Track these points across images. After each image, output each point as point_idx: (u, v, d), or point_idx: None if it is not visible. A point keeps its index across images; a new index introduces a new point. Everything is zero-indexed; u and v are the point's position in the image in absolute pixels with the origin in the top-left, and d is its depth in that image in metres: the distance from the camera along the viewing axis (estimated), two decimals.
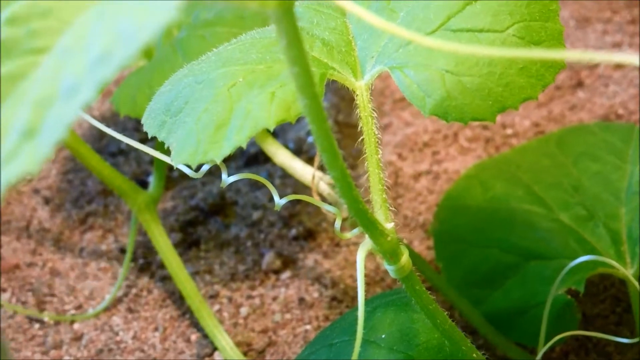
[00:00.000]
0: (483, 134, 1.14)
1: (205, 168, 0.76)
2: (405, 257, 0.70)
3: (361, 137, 0.71)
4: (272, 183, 1.07)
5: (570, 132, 1.05)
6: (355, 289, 1.01)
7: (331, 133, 0.59)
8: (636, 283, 0.84)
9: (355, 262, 1.04)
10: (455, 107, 0.68)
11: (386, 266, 0.70)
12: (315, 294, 1.01)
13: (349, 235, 0.74)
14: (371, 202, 0.71)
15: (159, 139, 0.73)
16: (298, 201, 1.07)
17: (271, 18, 0.52)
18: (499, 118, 1.14)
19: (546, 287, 0.87)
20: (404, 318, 0.78)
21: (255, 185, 1.11)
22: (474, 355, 0.76)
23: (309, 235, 1.06)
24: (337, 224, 0.74)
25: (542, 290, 0.90)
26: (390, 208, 0.71)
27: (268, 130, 0.67)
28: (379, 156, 0.71)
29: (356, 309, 0.84)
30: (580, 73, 1.20)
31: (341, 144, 1.14)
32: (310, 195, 0.93)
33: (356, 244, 1.05)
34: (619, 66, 1.20)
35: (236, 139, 0.66)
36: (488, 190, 0.98)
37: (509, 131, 1.14)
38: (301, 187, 1.01)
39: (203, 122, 0.68)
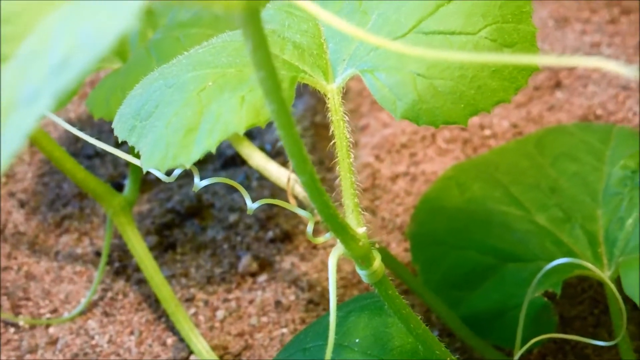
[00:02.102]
0: (461, 135, 1.14)
1: (177, 172, 0.75)
2: (377, 262, 0.69)
3: (333, 141, 0.71)
4: (249, 185, 1.07)
5: (548, 133, 1.04)
6: None
7: (299, 138, 0.59)
8: (612, 285, 0.83)
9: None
10: (427, 111, 0.67)
11: (358, 271, 0.70)
12: (292, 297, 1.00)
13: (322, 239, 0.74)
14: (343, 206, 0.71)
15: (129, 144, 0.72)
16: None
17: (237, 22, 0.51)
18: (477, 119, 1.14)
19: (523, 290, 0.87)
20: (378, 322, 0.78)
21: (232, 188, 1.10)
22: (448, 359, 0.75)
23: (286, 237, 1.06)
24: (309, 228, 0.74)
25: (519, 293, 0.89)
26: (364, 213, 0.70)
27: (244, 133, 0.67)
28: (351, 160, 0.70)
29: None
30: (559, 74, 1.20)
31: (318, 146, 1.13)
32: (286, 197, 0.92)
33: (332, 246, 1.04)
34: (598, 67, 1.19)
35: (206, 143, 0.66)
36: (465, 192, 0.97)
37: (487, 132, 1.14)
38: (278, 189, 1.00)
39: (173, 127, 0.67)
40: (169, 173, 0.75)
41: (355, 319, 0.79)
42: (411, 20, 0.69)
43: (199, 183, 0.78)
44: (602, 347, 0.93)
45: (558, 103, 1.16)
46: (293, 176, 0.93)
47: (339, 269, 1.03)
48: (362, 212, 1.05)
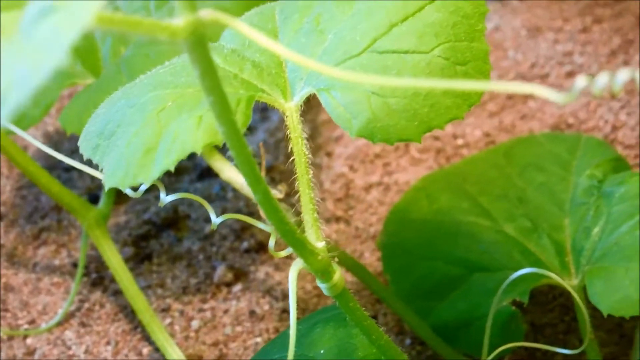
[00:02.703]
0: (434, 145, 1.15)
1: (143, 188, 0.77)
2: (337, 275, 0.71)
3: (292, 158, 0.72)
4: (225, 197, 1.08)
5: (518, 143, 1.06)
6: (305, 301, 1.02)
7: (252, 158, 0.61)
8: (575, 294, 0.85)
9: (306, 274, 1.05)
10: (381, 129, 0.69)
11: (319, 284, 0.71)
12: (266, 307, 1.02)
13: (283, 253, 0.75)
14: (303, 221, 0.72)
15: (94, 162, 0.74)
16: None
17: (182, 48, 0.53)
18: (450, 128, 1.16)
19: (490, 299, 0.88)
20: (342, 333, 0.79)
21: (208, 199, 1.12)
22: None
23: (261, 248, 1.07)
24: (271, 242, 0.75)
25: (486, 302, 0.90)
26: (320, 226, 0.71)
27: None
28: (310, 176, 0.72)
29: (299, 324, 0.86)
30: (532, 82, 1.21)
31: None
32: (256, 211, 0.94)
33: None
34: (570, 74, 1.21)
35: (164, 162, 0.67)
36: (433, 202, 0.99)
37: (460, 141, 1.15)
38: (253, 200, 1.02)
39: (133, 146, 0.69)
40: (136, 188, 0.77)
41: (320, 330, 0.80)
42: (365, 39, 0.71)
43: (165, 199, 0.80)
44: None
45: (530, 112, 1.18)
46: None
47: (313, 278, 1.04)
48: (335, 222, 1.07)
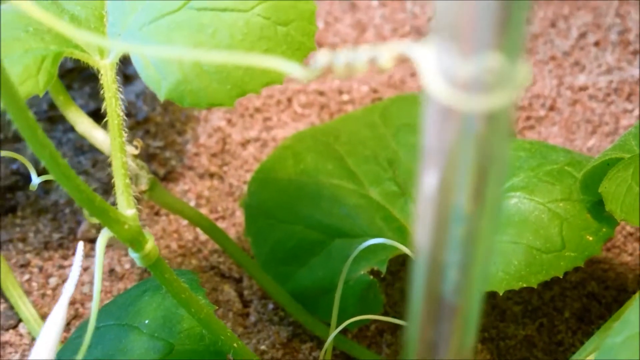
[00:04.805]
0: (318, 100, 1.10)
1: None
2: (149, 245, 0.67)
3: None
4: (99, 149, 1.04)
5: (396, 102, 1.01)
6: (170, 260, 0.99)
7: (35, 123, 0.56)
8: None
9: (172, 232, 1.01)
10: (191, 92, 0.64)
11: (131, 254, 0.67)
12: (127, 265, 0.98)
13: (97, 220, 0.71)
14: (114, 187, 0.68)
15: None
16: None
17: None
18: (336, 83, 1.11)
19: (350, 266, 0.84)
20: (170, 303, 0.75)
21: (81, 150, 1.07)
22: (235, 344, 0.73)
23: None
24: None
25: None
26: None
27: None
28: (123, 139, 0.68)
29: (131, 289, 0.82)
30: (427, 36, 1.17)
31: (170, 109, 1.10)
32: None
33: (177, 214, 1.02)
34: None
35: None
36: (299, 162, 0.94)
37: (346, 97, 1.11)
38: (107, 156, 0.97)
39: None
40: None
41: (148, 299, 0.77)
42: None
43: None
44: None
45: None
46: None
47: (180, 237, 1.00)
48: (209, 178, 1.03)
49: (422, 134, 0.39)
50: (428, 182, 0.40)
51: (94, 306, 0.66)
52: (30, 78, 0.64)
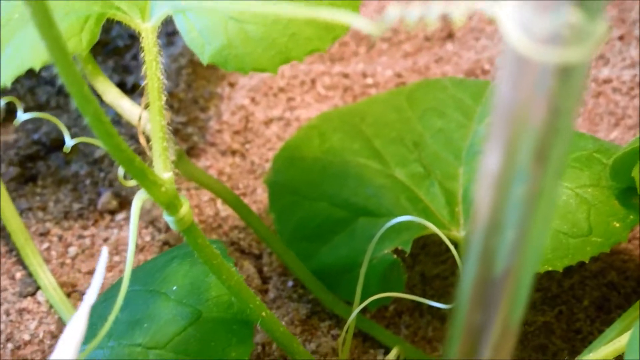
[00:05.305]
0: (342, 82, 1.10)
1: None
2: (185, 209, 0.67)
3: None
4: (120, 121, 1.04)
5: (422, 86, 1.01)
6: (203, 229, 0.98)
7: (80, 78, 0.56)
8: (452, 246, 0.81)
9: (193, 207, 1.01)
10: (236, 57, 0.64)
11: (165, 217, 0.67)
12: (148, 238, 0.98)
13: (132, 183, 0.71)
14: (152, 150, 0.68)
15: None
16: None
17: None
18: (360, 66, 1.11)
19: (374, 246, 0.84)
20: (198, 271, 0.75)
21: None
22: (263, 313, 0.73)
23: None
24: (121, 170, 0.71)
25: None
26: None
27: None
28: (162, 102, 0.68)
29: (158, 257, 0.82)
30: (452, 24, 1.17)
31: (193, 85, 1.10)
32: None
33: (197, 189, 1.02)
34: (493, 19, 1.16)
35: (2, 79, 0.63)
36: (325, 141, 0.95)
37: (370, 81, 1.11)
38: (133, 127, 0.97)
39: None
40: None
41: (176, 266, 0.76)
42: None
43: (21, 116, 0.75)
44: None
45: (447, 55, 1.13)
46: (145, 114, 0.90)
47: (200, 212, 1.00)
48: (231, 155, 1.03)
49: (496, 88, 0.39)
50: (496, 134, 0.40)
51: (127, 267, 0.66)
52: (74, 36, 0.64)
